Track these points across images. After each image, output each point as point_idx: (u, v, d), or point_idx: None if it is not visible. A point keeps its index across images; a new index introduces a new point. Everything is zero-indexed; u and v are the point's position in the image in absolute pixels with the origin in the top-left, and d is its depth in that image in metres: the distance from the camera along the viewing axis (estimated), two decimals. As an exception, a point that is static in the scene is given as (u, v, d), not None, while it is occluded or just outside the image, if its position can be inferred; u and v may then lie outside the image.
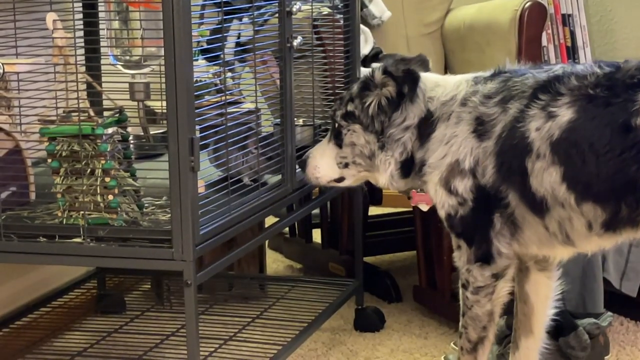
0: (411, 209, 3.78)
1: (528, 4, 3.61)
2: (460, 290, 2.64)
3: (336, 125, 2.69)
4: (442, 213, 2.60)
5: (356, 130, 2.66)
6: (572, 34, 4.62)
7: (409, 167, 2.64)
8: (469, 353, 2.66)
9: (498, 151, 2.49)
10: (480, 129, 2.52)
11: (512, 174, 2.49)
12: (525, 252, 2.62)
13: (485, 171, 2.51)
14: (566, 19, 4.62)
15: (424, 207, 2.81)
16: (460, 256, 2.61)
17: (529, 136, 2.45)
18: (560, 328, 3.06)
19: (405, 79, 2.60)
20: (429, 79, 2.66)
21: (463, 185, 2.54)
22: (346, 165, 2.70)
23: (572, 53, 4.61)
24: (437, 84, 2.64)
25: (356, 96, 2.65)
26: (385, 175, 2.66)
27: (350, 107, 2.66)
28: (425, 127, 2.60)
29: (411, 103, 2.60)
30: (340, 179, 2.74)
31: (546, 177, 2.45)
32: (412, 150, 2.62)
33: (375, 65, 2.68)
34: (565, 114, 2.43)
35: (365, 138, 2.65)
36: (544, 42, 4.49)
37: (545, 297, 2.75)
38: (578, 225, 2.48)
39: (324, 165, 2.74)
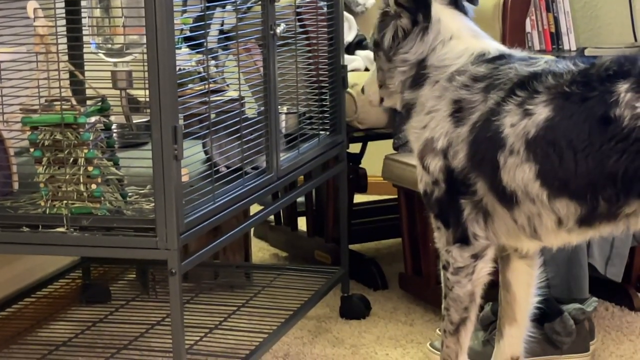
0: (396, 197, 3.78)
1: (512, -11, 3.61)
2: (442, 272, 2.65)
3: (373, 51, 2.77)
4: (420, 187, 2.64)
5: (380, 57, 2.71)
6: (556, 20, 4.62)
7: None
8: (451, 335, 2.67)
9: (471, 140, 2.50)
10: (458, 114, 2.54)
11: (483, 164, 2.49)
12: (497, 241, 2.61)
13: (456, 156, 2.52)
14: (550, 5, 4.62)
15: None
16: (440, 237, 2.62)
17: (502, 131, 2.45)
18: (546, 314, 3.06)
19: (418, 8, 2.62)
20: (448, 25, 2.65)
21: (434, 164, 2.56)
22: (381, 87, 2.75)
23: (556, 39, 4.61)
24: (450, 37, 2.64)
25: (376, 26, 2.70)
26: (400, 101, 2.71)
27: (376, 36, 2.71)
28: (417, 73, 2.64)
29: (420, 40, 2.63)
30: (382, 100, 2.79)
31: (519, 173, 2.45)
32: (402, 87, 2.67)
33: None
34: (541, 112, 2.42)
35: (387, 65, 2.69)
36: (528, 28, 4.49)
37: (527, 285, 2.75)
38: (547, 221, 2.48)
39: (369, 86, 2.81)
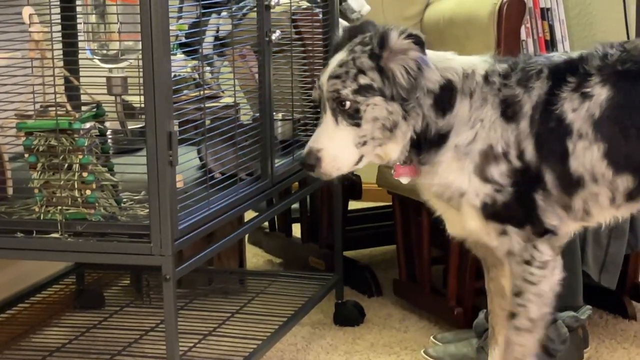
0: (391, 204, 3.78)
1: (507, -3, 3.61)
2: (519, 268, 2.56)
3: (347, 104, 2.46)
4: (475, 202, 2.53)
5: (377, 103, 2.47)
6: (551, 28, 4.63)
7: (417, 137, 2.54)
8: (529, 332, 2.60)
9: (536, 133, 2.51)
10: (509, 111, 2.52)
11: (551, 155, 2.51)
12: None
13: (524, 152, 2.51)
14: (545, 13, 4.63)
15: (405, 180, 2.63)
16: (511, 240, 2.55)
17: (566, 117, 2.49)
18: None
19: (420, 41, 2.50)
20: (434, 52, 2.59)
21: (499, 171, 2.51)
22: (364, 143, 2.50)
23: (551, 47, 4.62)
24: (443, 57, 2.58)
25: (370, 68, 2.47)
26: (400, 147, 2.52)
27: (364, 81, 2.46)
28: (445, 96, 2.53)
29: (428, 67, 2.51)
30: (360, 159, 2.53)
31: (587, 156, 2.50)
32: (425, 119, 2.51)
33: (390, 29, 2.49)
34: (600, 92, 2.49)
35: (389, 109, 2.47)
36: (523, 35, 4.49)
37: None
38: (603, 199, 2.54)
39: (343, 152, 2.50)
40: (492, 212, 2.54)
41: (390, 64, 2.47)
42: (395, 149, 2.53)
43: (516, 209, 2.53)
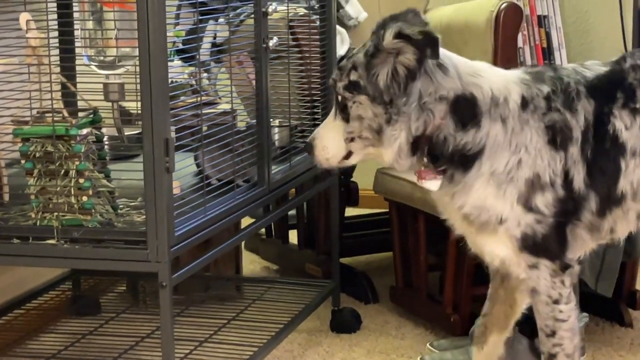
0: (387, 210, 3.78)
1: (504, 5, 3.62)
2: (548, 309, 2.52)
3: (339, 98, 2.44)
4: (516, 232, 2.44)
5: (362, 102, 2.39)
6: (548, 35, 4.63)
7: (430, 146, 2.44)
8: None
9: (590, 157, 2.44)
10: (558, 138, 2.43)
11: (602, 177, 2.46)
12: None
13: (572, 180, 2.44)
14: (542, 20, 4.63)
15: (434, 187, 2.48)
16: (540, 274, 2.49)
17: (619, 136, 2.45)
18: (536, 327, 3.06)
19: (427, 43, 2.33)
20: (456, 57, 2.45)
21: (544, 201, 2.43)
22: (352, 140, 2.44)
23: (547, 54, 4.62)
24: (474, 69, 2.44)
25: (361, 64, 2.39)
26: (392, 151, 2.41)
27: (353, 77, 2.40)
28: (466, 110, 2.40)
29: (442, 72, 2.39)
30: (349, 155, 2.48)
31: (637, 173, 2.47)
32: (440, 129, 2.40)
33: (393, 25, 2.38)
34: None
35: (373, 110, 2.39)
36: (520, 43, 4.50)
37: (525, 300, 2.72)
38: (632, 215, 2.52)
39: (332, 144, 2.47)
40: (530, 244, 2.46)
41: (379, 65, 2.37)
42: (386, 153, 2.43)
43: (553, 241, 2.47)
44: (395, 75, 2.36)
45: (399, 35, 2.34)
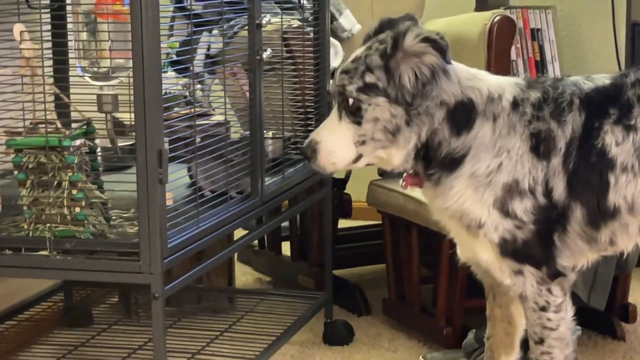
0: (380, 222, 3.78)
1: (497, 18, 3.63)
2: (535, 316, 2.51)
3: (350, 101, 2.41)
4: (493, 237, 2.45)
5: (380, 104, 2.39)
6: (541, 48, 4.64)
7: (426, 150, 2.45)
8: None
9: (571, 169, 2.43)
10: (539, 148, 2.43)
11: (586, 190, 2.44)
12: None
13: (553, 190, 2.43)
14: (535, 33, 4.65)
15: (419, 192, 2.56)
16: (525, 281, 2.48)
17: (609, 151, 2.43)
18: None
19: (445, 47, 2.37)
20: (455, 63, 2.47)
21: (522, 207, 2.42)
22: (363, 143, 2.43)
23: (541, 67, 4.64)
24: (472, 74, 2.47)
25: (377, 67, 2.39)
26: (403, 153, 2.43)
27: (370, 79, 2.39)
28: (462, 114, 2.42)
29: (446, 78, 2.41)
30: (357, 158, 2.46)
31: (630, 188, 2.44)
32: (436, 134, 2.42)
33: (408, 27, 2.41)
34: None
35: (392, 112, 2.39)
36: (513, 56, 4.51)
37: (523, 314, 2.71)
38: (633, 229, 2.49)
39: (340, 148, 2.44)
40: (510, 250, 2.45)
41: (400, 66, 2.38)
42: (397, 155, 2.45)
43: (536, 248, 2.45)
44: (419, 76, 2.38)
45: (426, 39, 2.37)
